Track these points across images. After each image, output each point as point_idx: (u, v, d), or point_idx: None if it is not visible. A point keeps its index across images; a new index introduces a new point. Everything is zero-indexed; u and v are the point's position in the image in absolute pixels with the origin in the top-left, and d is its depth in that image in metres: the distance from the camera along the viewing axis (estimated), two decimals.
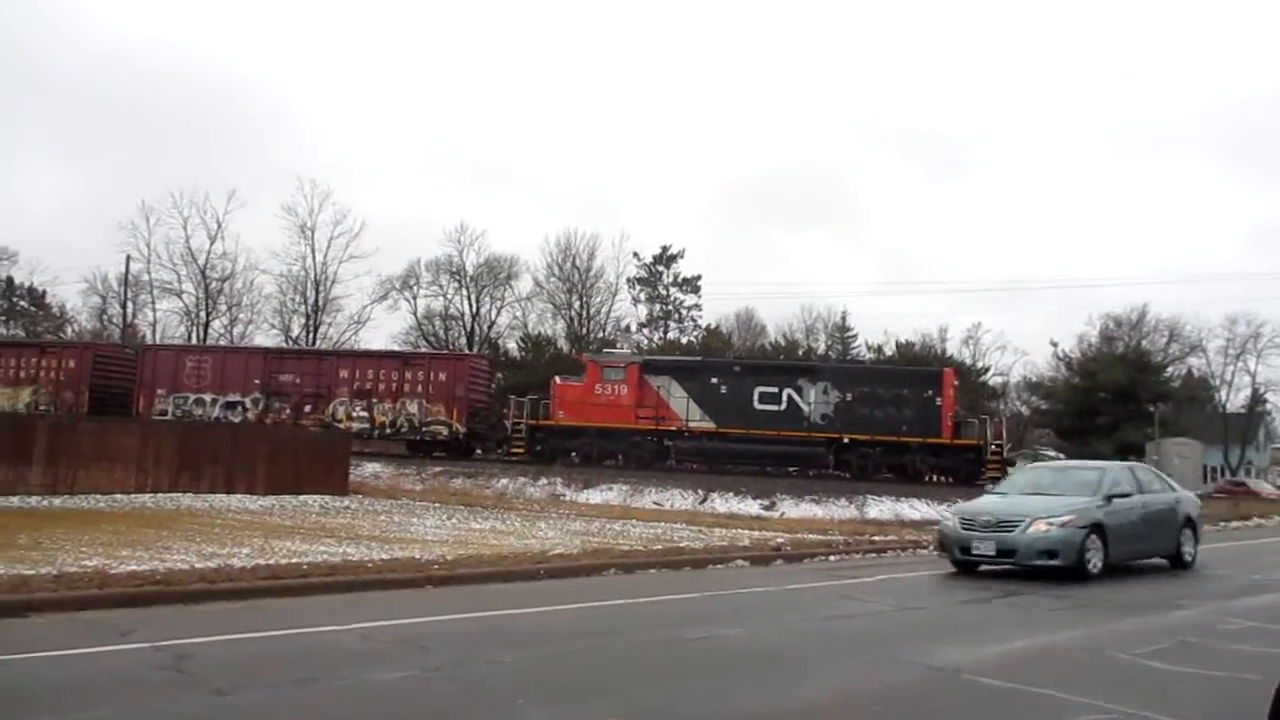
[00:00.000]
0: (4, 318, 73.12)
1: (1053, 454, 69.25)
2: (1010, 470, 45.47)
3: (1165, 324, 62.53)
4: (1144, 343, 60.78)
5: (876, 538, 21.44)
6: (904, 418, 34.86)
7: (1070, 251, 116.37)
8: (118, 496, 22.77)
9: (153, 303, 65.42)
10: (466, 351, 55.34)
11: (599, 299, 67.32)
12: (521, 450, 37.04)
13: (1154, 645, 9.87)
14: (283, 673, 7.69)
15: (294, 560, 13.16)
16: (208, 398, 39.51)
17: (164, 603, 10.20)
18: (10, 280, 72.07)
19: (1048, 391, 60.87)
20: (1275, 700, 1.26)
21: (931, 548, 20.17)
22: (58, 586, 10.20)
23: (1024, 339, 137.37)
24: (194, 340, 60.30)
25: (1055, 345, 63.12)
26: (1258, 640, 10.22)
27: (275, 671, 7.74)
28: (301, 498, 25.18)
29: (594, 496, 30.33)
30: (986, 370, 68.55)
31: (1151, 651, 9.56)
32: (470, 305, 65.80)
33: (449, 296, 66.00)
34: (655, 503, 29.50)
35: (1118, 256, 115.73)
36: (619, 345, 58.29)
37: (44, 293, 73.63)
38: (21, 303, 73.92)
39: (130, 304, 64.29)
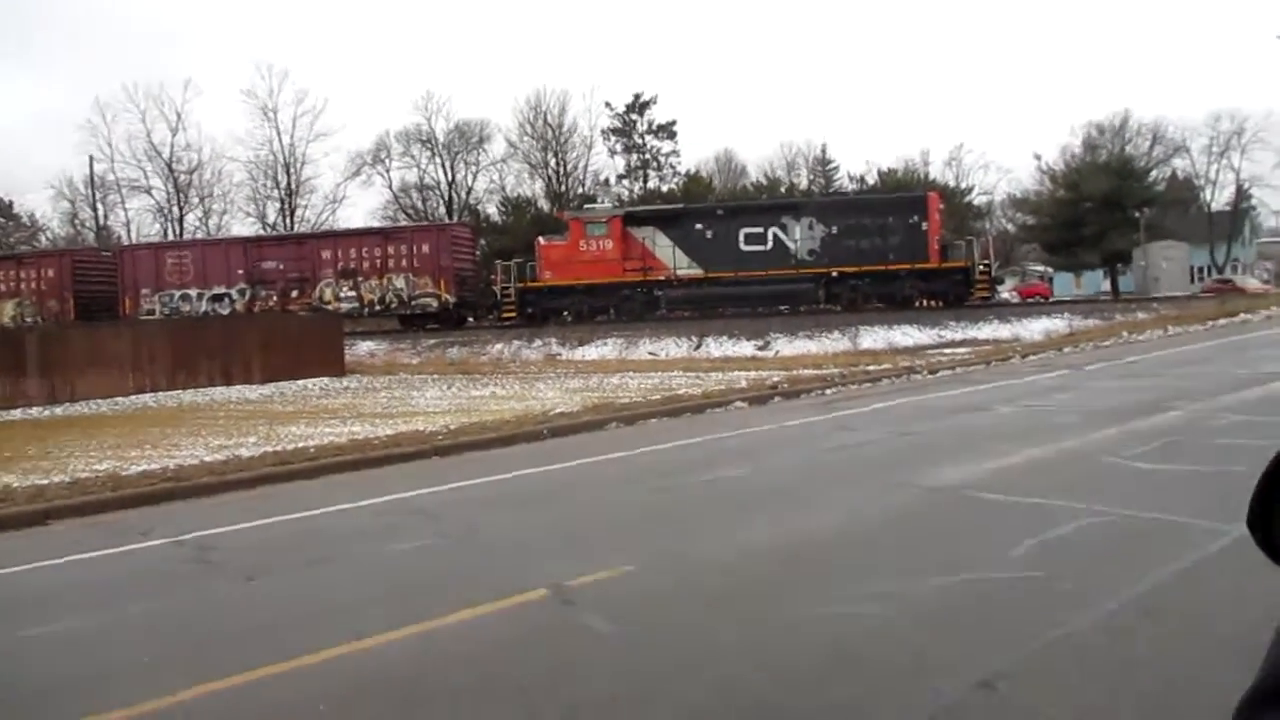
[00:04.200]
0: None
1: (1040, 269, 69.60)
2: (999, 288, 45.91)
3: (1148, 127, 61.69)
4: (1127, 148, 60.11)
5: (871, 367, 21.75)
6: (890, 246, 34.83)
7: (1050, 59, 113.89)
8: (118, 399, 22.92)
9: (123, 202, 64.23)
10: (447, 221, 54.70)
11: (575, 154, 66.09)
12: (513, 314, 37.10)
13: (1143, 447, 10.17)
14: (305, 553, 7.93)
15: (301, 444, 13.36)
16: (193, 293, 39.26)
17: (178, 498, 10.42)
18: None
19: (1033, 207, 60.46)
20: (1260, 486, 1.30)
21: (924, 373, 20.51)
22: (73, 492, 10.39)
23: (1007, 155, 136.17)
24: (170, 236, 59.47)
25: (1038, 158, 62.42)
26: (1244, 433, 10.51)
27: (297, 553, 7.99)
28: (300, 382, 25.35)
29: (589, 353, 30.55)
30: (971, 190, 68.07)
31: (1140, 453, 9.86)
32: (445, 173, 64.69)
33: (423, 167, 64.81)
34: (650, 353, 29.74)
35: (1099, 60, 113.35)
36: (600, 200, 57.56)
37: (11, 203, 72.18)
38: None
39: (100, 206, 63.18)
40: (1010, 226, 70.45)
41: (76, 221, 66.01)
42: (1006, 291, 55.06)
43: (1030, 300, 49.86)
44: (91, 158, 59.46)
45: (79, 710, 4.68)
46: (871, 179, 64.61)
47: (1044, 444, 10.94)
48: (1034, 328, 30.32)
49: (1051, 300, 50.90)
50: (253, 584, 7.11)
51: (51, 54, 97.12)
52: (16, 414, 20.62)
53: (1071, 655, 4.82)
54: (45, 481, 10.98)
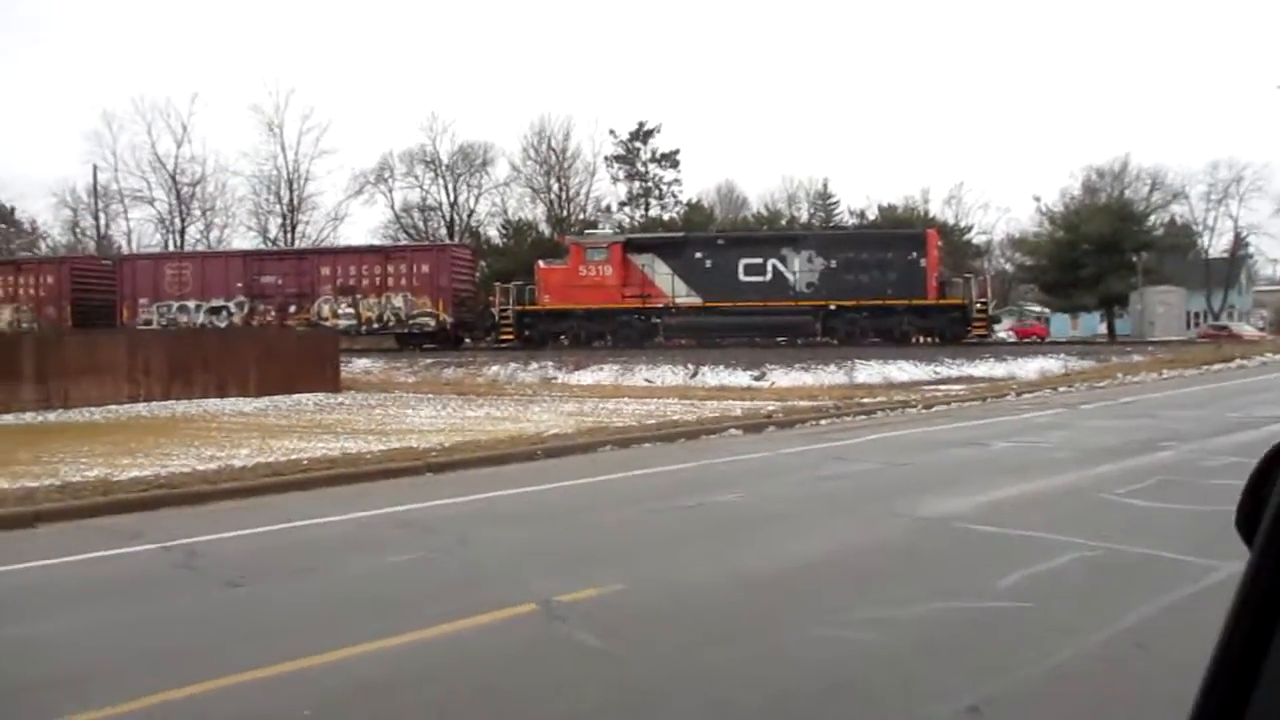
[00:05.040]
0: None
1: (1037, 309, 69.84)
2: (996, 327, 46.02)
3: (1147, 173, 62.21)
4: (1126, 192, 60.52)
5: (866, 400, 21.75)
6: (889, 281, 34.94)
7: (1052, 103, 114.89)
8: (111, 408, 22.84)
9: (125, 212, 64.39)
10: (448, 241, 54.86)
11: (578, 180, 66.47)
12: (510, 336, 37.13)
13: (1136, 485, 10.18)
14: (293, 562, 7.90)
15: (293, 457, 13.32)
16: (191, 304, 39.29)
17: (169, 505, 10.35)
18: None
19: (1031, 247, 60.74)
20: (1251, 481, 1.32)
21: (919, 407, 20.52)
22: (63, 496, 10.32)
23: (1007, 196, 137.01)
24: (171, 248, 59.56)
25: (1038, 200, 62.67)
26: (1235, 474, 10.47)
27: (284, 562, 7.95)
28: (295, 397, 25.29)
29: (585, 378, 30.55)
30: (970, 229, 68.50)
31: (1133, 490, 9.87)
32: (448, 194, 64.97)
33: (425, 187, 65.12)
34: (646, 380, 29.74)
35: (1100, 106, 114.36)
36: (600, 226, 57.80)
37: (13, 209, 72.35)
38: None
39: (102, 215, 63.34)
40: (1008, 266, 70.83)
41: (78, 230, 66.18)
42: (1003, 331, 55.22)
43: (1026, 340, 49.99)
44: (95, 167, 59.78)
45: (56, 710, 4.63)
46: (872, 214, 65.03)
47: (1037, 479, 10.94)
48: (1029, 367, 30.38)
49: (1048, 340, 51.05)
50: (238, 590, 7.06)
51: (60, 62, 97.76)
52: (9, 419, 20.53)
53: (1061, 685, 4.81)
54: (35, 485, 10.92)
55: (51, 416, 21.18)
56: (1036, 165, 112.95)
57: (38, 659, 5.50)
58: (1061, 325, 66.47)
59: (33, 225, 71.56)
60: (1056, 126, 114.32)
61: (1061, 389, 25.13)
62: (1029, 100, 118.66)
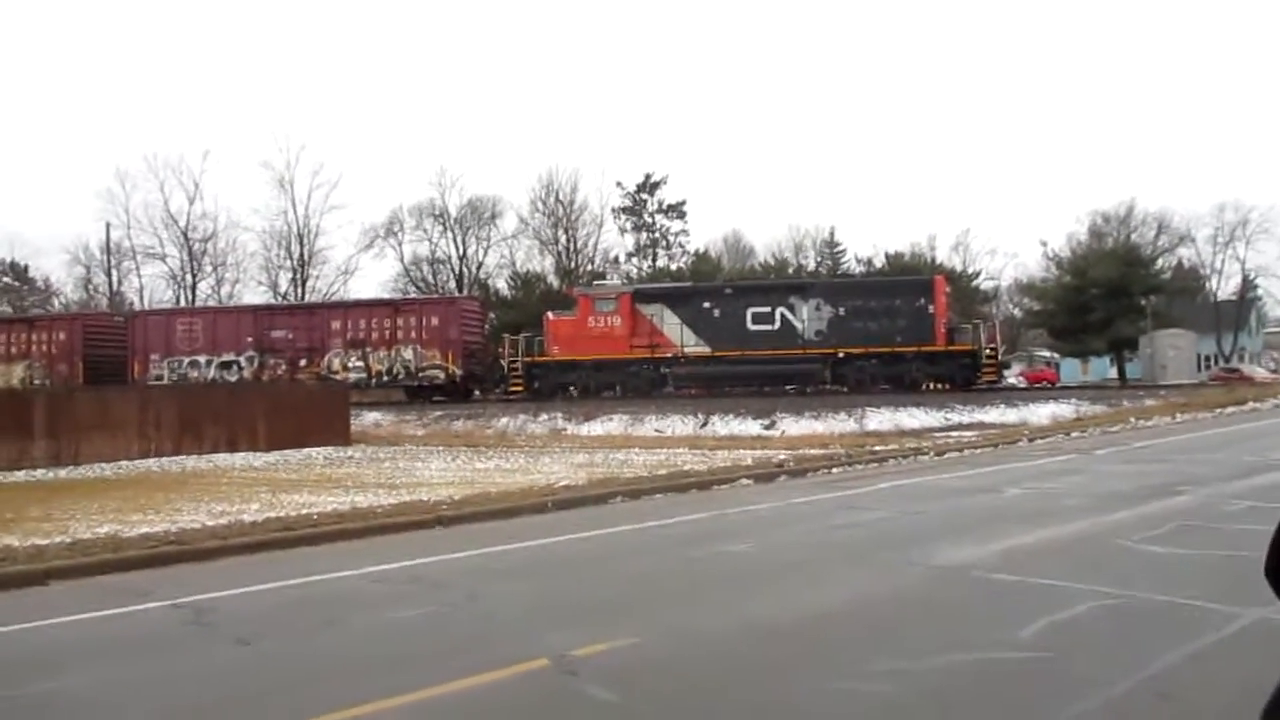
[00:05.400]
0: None
1: (1047, 354, 69.69)
2: (1006, 373, 45.93)
3: (1153, 217, 62.43)
4: (1133, 236, 60.67)
5: (878, 448, 21.66)
6: (897, 328, 34.94)
7: (1058, 148, 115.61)
8: (122, 464, 22.88)
9: (137, 269, 64.98)
10: (457, 294, 55.13)
11: (585, 231, 66.92)
12: (520, 388, 37.15)
13: (1154, 530, 10.07)
14: (303, 619, 7.83)
15: (304, 511, 13.28)
16: (202, 359, 39.47)
17: (179, 562, 10.31)
18: None
19: (1039, 292, 60.79)
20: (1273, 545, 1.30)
21: (931, 454, 20.42)
22: (73, 553, 10.30)
23: (1014, 241, 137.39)
24: (182, 303, 59.96)
25: (1044, 245, 62.87)
26: (1254, 519, 10.41)
27: (295, 618, 7.89)
28: (305, 451, 25.30)
29: (595, 428, 30.50)
30: (977, 275, 68.59)
31: (1152, 536, 9.76)
32: (457, 247, 65.40)
33: (434, 240, 65.57)
34: (656, 430, 29.68)
35: (1105, 151, 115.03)
36: (609, 277, 58.12)
37: (26, 267, 73.09)
38: (5, 278, 73.33)
39: (115, 271, 63.92)
40: (1017, 311, 70.79)
41: (90, 287, 66.70)
42: (1013, 376, 55.08)
43: (1037, 385, 49.83)
44: (108, 224, 60.43)
45: None
46: (879, 262, 65.14)
47: (1053, 526, 10.84)
48: (1041, 412, 30.25)
49: (1058, 385, 50.87)
50: (248, 648, 7.00)
51: (75, 122, 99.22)
52: (20, 475, 20.56)
53: None
54: (46, 542, 10.91)
55: (62, 473, 21.20)
56: (1043, 210, 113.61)
57: (52, 717, 5.45)
58: (1071, 370, 66.28)
59: (46, 283, 72.25)
60: (1062, 171, 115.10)
61: (1074, 434, 24.99)
62: (1034, 146, 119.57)
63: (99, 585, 9.29)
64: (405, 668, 6.14)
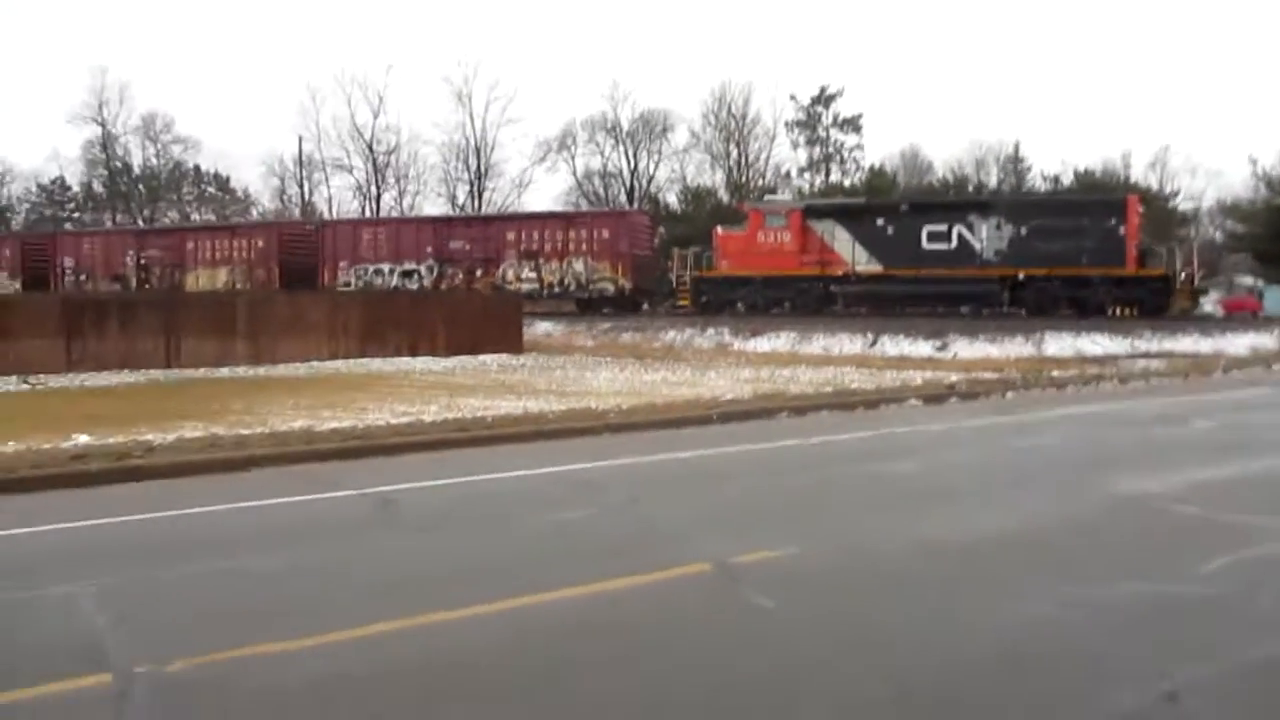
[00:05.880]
0: (195, 203, 77.68)
1: (1250, 281, 64.84)
2: (1202, 300, 43.05)
3: None
4: None
5: (1056, 374, 20.81)
6: (1084, 249, 33.06)
7: (1270, 55, 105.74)
8: (313, 363, 24.30)
9: (326, 180, 68.09)
10: (627, 208, 55.46)
11: (757, 145, 65.86)
12: (687, 302, 37.24)
13: None
14: (477, 512, 8.26)
15: (479, 414, 13.84)
16: (385, 267, 41.22)
17: (365, 456, 10.98)
18: (197, 168, 76.35)
19: (1245, 214, 56.26)
20: None
21: (1114, 382, 19.49)
22: (272, 443, 11.13)
23: (1219, 159, 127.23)
24: (367, 214, 62.64)
25: (1254, 163, 58.15)
26: None
27: (470, 512, 8.32)
28: (480, 358, 26.23)
29: (762, 345, 30.36)
30: (1176, 195, 64.05)
31: None
32: (628, 161, 65.60)
33: (606, 154, 65.97)
34: (824, 348, 29.30)
35: None
36: (780, 192, 57.10)
37: (228, 178, 77.80)
38: (209, 188, 78.32)
39: (306, 182, 67.27)
40: (1218, 235, 65.92)
41: (284, 197, 70.45)
42: (1210, 304, 51.62)
43: (1237, 314, 46.56)
44: (300, 138, 63.48)
45: (267, 637, 5.01)
46: (1067, 179, 61.53)
47: (1244, 461, 10.24)
48: (1239, 343, 28.25)
49: (1261, 315, 47.42)
50: (427, 536, 7.44)
51: (271, 41, 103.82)
52: (224, 372, 22.15)
53: (1265, 679, 4.52)
54: (248, 433, 11.77)
55: (261, 370, 22.71)
56: (1252, 125, 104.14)
57: (253, 590, 5.98)
58: (1277, 299, 61.57)
59: (245, 192, 76.81)
60: (1276, 80, 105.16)
61: (1275, 367, 23.34)
62: (1244, 53, 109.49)
63: (294, 473, 10.00)
64: (572, 563, 6.41)
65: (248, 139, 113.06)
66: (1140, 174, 63.63)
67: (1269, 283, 60.66)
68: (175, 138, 72.31)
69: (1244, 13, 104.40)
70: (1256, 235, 53.16)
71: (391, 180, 66.76)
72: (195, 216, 73.32)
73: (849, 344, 29.56)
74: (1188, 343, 28.13)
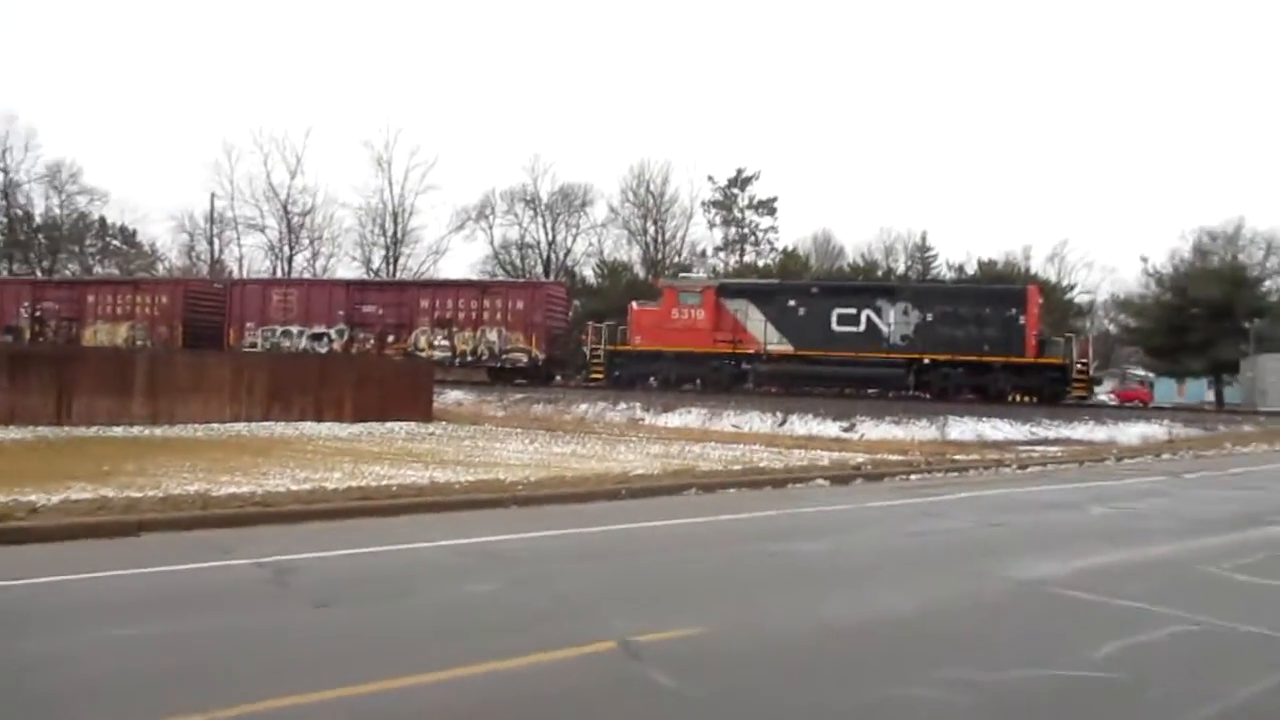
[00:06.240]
0: (99, 256, 75.57)
1: (1141, 373, 67.55)
2: (1097, 389, 44.59)
3: (1263, 237, 60.03)
4: (1240, 256, 58.44)
5: (958, 457, 21.30)
6: (986, 337, 34.19)
7: (1164, 162, 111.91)
8: (214, 426, 23.62)
9: (238, 238, 67.06)
10: (544, 279, 55.71)
11: (674, 223, 67.08)
12: (600, 376, 37.33)
13: (1243, 559, 9.75)
14: (378, 586, 8.02)
15: (384, 482, 13.57)
16: (294, 329, 40.51)
17: (263, 523, 10.63)
18: (103, 220, 74.43)
19: (1137, 309, 58.88)
20: None
21: (1014, 467, 20.00)
22: (165, 508, 10.71)
23: (1112, 256, 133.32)
24: (279, 274, 61.66)
25: (1145, 261, 61.06)
26: None
27: (371, 585, 8.08)
28: (388, 425, 25.83)
29: (673, 420, 30.52)
30: (1073, 288, 66.85)
31: (1240, 565, 9.45)
32: (546, 233, 66.09)
33: (524, 225, 66.38)
34: (734, 425, 29.58)
35: (1214, 167, 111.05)
36: (695, 270, 58.01)
37: (135, 231, 76.01)
38: (114, 241, 76.33)
39: (216, 240, 66.12)
40: (1112, 327, 68.80)
41: (193, 253, 69.08)
42: (1104, 393, 53.53)
43: (1129, 404, 48.39)
44: (213, 194, 62.45)
45: (151, 710, 4.77)
46: (971, 269, 63.83)
47: (1136, 547, 10.56)
48: (1131, 432, 29.37)
49: (1151, 406, 49.34)
50: (325, 610, 7.21)
51: (186, 94, 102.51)
52: (119, 431, 21.38)
53: None
54: (140, 495, 11.33)
55: (158, 431, 21.97)
56: (1145, 225, 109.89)
57: (129, 663, 5.69)
58: (1166, 390, 64.19)
59: (152, 247, 75.12)
60: (1167, 186, 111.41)
61: (1165, 456, 24.26)
62: (1139, 158, 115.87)
63: (187, 540, 9.64)
64: (475, 639, 6.27)
65: (158, 192, 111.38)
66: (1040, 266, 66.48)
67: (1159, 375, 63.33)
68: (81, 188, 70.60)
69: (1138, 120, 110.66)
70: (1147, 330, 55.59)
71: (305, 241, 66.14)
72: (98, 269, 71.23)
73: (759, 422, 29.89)
74: (1083, 430, 29.12)
